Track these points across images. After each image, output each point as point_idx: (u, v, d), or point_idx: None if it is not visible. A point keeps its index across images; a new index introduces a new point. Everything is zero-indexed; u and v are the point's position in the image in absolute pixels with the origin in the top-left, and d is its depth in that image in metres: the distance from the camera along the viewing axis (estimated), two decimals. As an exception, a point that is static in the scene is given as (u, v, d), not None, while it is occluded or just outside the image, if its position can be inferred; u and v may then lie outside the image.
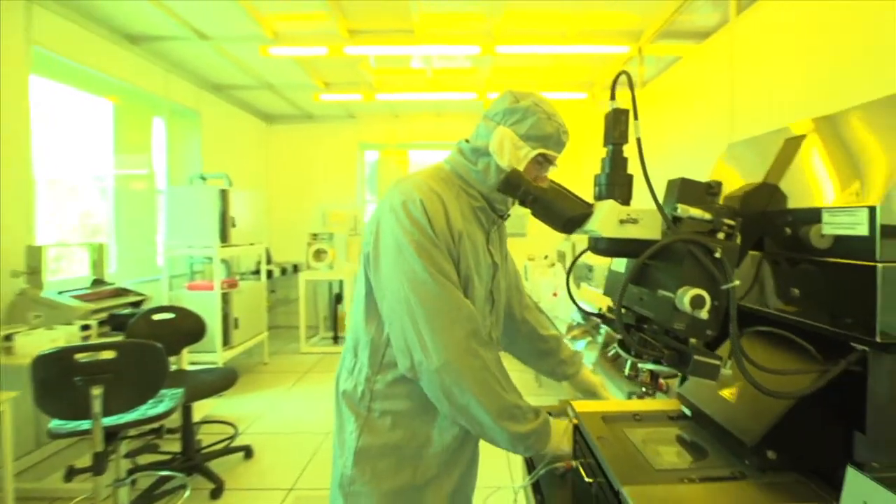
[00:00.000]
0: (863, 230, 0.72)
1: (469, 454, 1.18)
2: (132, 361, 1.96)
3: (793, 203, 0.90)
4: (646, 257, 0.79)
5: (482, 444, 1.22)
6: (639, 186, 0.87)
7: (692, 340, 0.81)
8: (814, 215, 0.81)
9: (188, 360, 3.36)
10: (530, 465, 1.19)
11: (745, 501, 0.75)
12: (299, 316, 5.39)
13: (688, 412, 1.02)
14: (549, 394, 3.88)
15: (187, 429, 2.74)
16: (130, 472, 2.54)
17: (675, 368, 0.84)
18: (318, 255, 5.31)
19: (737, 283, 0.76)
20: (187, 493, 2.56)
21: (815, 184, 0.88)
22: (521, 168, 1.05)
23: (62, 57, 3.29)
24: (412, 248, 0.99)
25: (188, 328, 2.91)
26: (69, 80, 3.58)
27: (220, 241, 4.06)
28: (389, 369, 1.09)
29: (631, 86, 0.83)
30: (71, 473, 2.06)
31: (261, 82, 5.03)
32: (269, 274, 5.32)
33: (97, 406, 1.86)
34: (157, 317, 2.81)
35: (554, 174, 1.12)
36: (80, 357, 1.87)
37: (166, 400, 2.25)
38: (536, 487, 1.11)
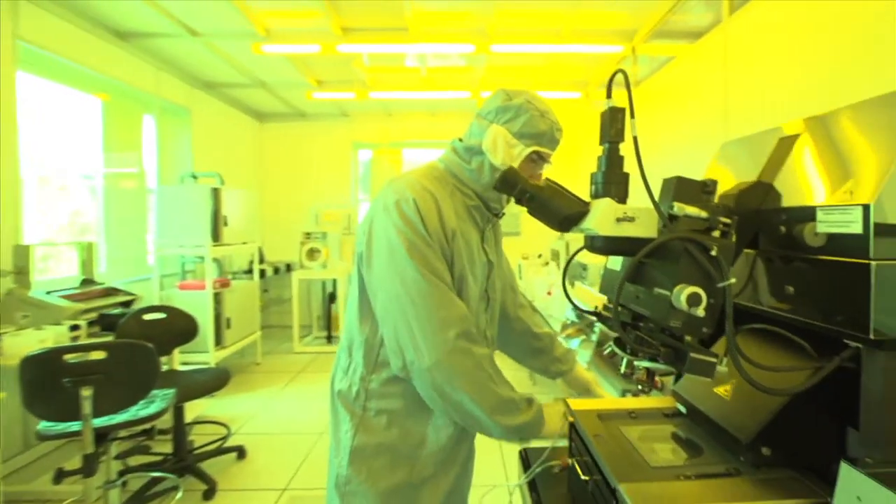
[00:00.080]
0: (856, 228, 0.73)
1: (465, 453, 1.18)
2: (123, 362, 1.94)
3: (786, 202, 0.90)
4: (642, 255, 0.79)
5: (478, 442, 1.22)
6: (635, 185, 0.87)
7: (688, 338, 0.81)
8: (808, 214, 0.82)
9: (180, 360, 3.33)
10: (526, 464, 1.19)
11: (740, 498, 0.75)
12: (292, 315, 5.36)
13: (683, 409, 1.02)
14: (544, 392, 3.89)
15: (179, 429, 2.72)
16: (121, 473, 2.52)
17: (672, 366, 0.84)
18: (312, 254, 5.28)
19: (733, 280, 0.76)
20: (179, 494, 2.54)
21: (807, 183, 0.89)
22: (515, 166, 1.05)
23: (50, 53, 3.24)
24: (404, 247, 0.99)
25: (180, 328, 2.89)
26: (57, 76, 3.53)
27: (212, 241, 4.03)
28: (384, 368, 1.08)
29: (627, 85, 0.83)
30: (60, 475, 2.04)
31: (253, 80, 4.99)
32: (262, 273, 5.29)
33: (87, 407, 1.84)
34: (147, 317, 2.79)
35: (549, 173, 1.12)
36: (70, 358, 1.84)
37: (158, 401, 2.23)
38: (532, 486, 1.11)
